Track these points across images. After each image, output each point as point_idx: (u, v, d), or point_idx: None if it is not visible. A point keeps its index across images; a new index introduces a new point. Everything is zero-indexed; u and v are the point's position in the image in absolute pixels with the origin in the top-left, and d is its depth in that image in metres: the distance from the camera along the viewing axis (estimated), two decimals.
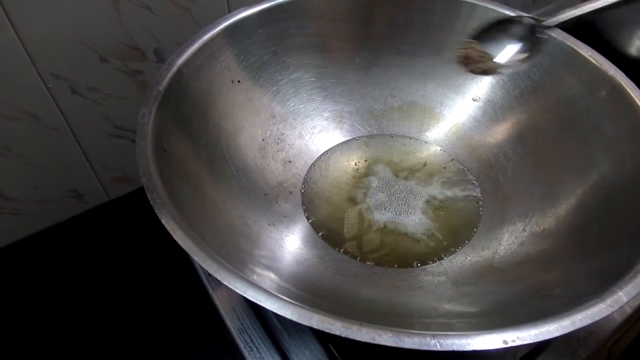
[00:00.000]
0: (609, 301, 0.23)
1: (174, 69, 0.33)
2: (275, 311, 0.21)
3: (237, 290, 0.22)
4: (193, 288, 0.44)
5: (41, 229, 0.50)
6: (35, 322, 0.43)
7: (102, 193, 0.53)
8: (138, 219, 0.51)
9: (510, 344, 0.20)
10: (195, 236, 0.24)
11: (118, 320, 0.44)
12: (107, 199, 0.53)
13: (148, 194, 0.25)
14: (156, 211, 0.25)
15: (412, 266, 0.35)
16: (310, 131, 0.43)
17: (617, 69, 0.35)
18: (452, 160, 0.43)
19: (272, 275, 0.29)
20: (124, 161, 0.52)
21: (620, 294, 0.23)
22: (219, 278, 0.22)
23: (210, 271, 0.22)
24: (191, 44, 0.35)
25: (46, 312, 0.44)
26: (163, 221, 0.24)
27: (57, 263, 0.48)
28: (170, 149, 0.30)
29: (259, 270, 0.29)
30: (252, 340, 0.34)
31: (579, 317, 0.22)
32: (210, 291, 0.38)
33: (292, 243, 0.35)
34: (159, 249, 0.48)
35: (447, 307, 0.30)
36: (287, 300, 0.21)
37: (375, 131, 0.45)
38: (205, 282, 0.38)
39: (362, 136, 0.45)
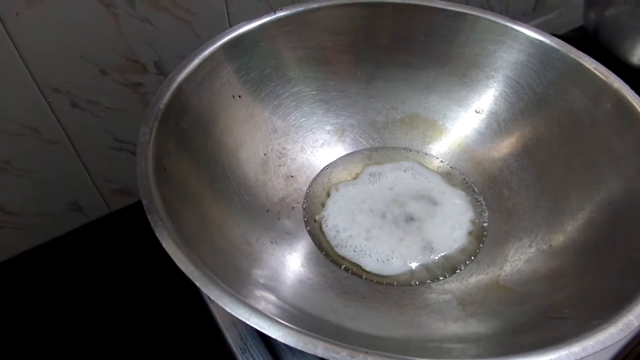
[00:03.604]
0: (620, 325, 0.22)
1: (174, 85, 0.32)
2: (280, 339, 0.20)
3: (239, 317, 0.21)
4: (193, 301, 0.43)
5: (41, 243, 0.50)
6: (36, 335, 0.43)
7: (102, 205, 0.52)
8: (139, 231, 0.50)
9: None
10: (196, 259, 0.24)
11: (117, 333, 0.43)
12: (108, 211, 0.53)
13: (149, 216, 0.25)
14: (157, 234, 0.24)
15: (410, 285, 0.35)
16: (312, 145, 0.43)
17: (622, 81, 0.35)
18: (455, 173, 0.43)
19: (272, 297, 0.28)
20: (125, 173, 0.51)
21: (632, 317, 0.23)
22: (220, 304, 0.22)
23: (212, 297, 0.22)
24: (192, 59, 0.34)
25: (47, 324, 0.44)
26: (164, 244, 0.24)
27: (57, 276, 0.48)
28: (171, 167, 0.30)
29: (259, 292, 0.28)
30: None
31: (591, 343, 0.21)
32: (211, 307, 0.37)
33: (294, 261, 0.35)
34: (159, 261, 0.47)
35: (454, 327, 0.29)
36: (291, 327, 0.21)
37: (377, 144, 0.45)
38: (206, 297, 0.37)
39: (364, 149, 0.44)
